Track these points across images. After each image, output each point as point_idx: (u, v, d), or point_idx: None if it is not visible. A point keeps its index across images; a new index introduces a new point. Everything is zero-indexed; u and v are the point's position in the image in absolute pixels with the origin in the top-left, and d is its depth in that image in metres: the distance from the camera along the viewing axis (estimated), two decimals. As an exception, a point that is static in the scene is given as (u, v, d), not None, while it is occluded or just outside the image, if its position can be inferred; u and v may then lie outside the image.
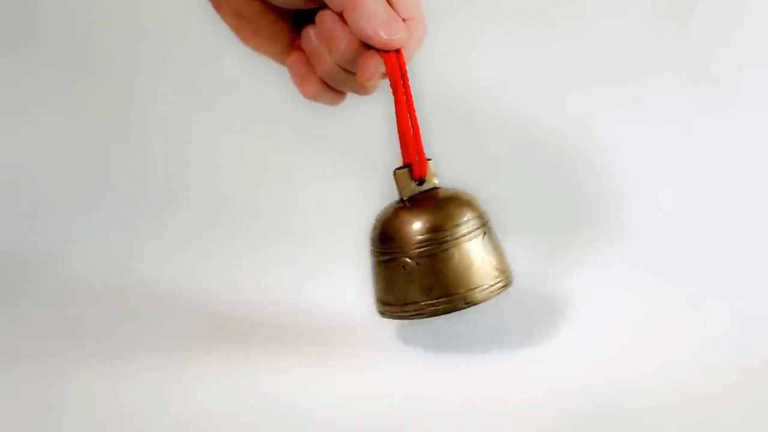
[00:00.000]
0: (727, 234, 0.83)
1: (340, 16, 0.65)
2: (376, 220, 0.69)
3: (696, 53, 0.92)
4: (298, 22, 0.68)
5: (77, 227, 0.88)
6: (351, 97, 0.70)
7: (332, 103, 0.70)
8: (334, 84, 0.68)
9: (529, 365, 0.69)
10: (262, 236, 0.85)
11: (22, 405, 0.64)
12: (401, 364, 0.70)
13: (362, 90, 0.68)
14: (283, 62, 0.69)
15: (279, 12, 0.68)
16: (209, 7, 0.68)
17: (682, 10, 0.92)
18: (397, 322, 0.72)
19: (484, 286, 0.67)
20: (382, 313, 0.69)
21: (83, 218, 0.89)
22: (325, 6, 0.65)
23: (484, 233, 0.68)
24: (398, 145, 0.67)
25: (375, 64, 0.64)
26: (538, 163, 0.90)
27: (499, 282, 0.68)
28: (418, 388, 0.67)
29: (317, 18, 0.66)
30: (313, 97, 0.69)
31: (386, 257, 0.67)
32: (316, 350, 0.71)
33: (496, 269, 0.68)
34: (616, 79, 0.91)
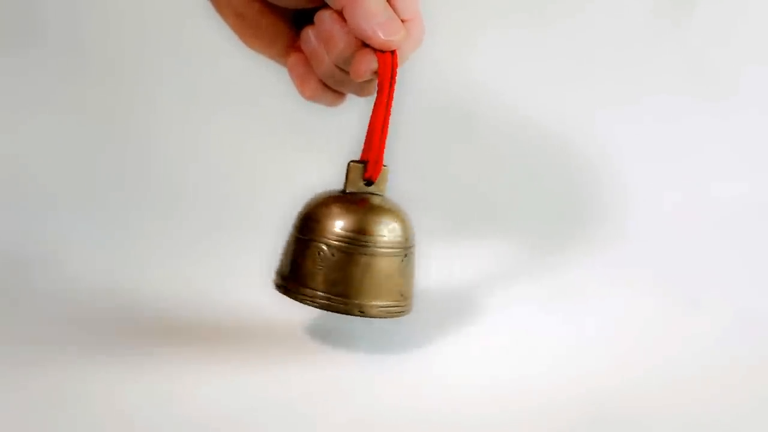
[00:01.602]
0: (727, 234, 0.83)
1: (340, 15, 0.65)
2: (312, 198, 0.69)
3: (696, 52, 0.92)
4: (298, 22, 0.68)
5: (77, 227, 0.88)
6: (350, 99, 0.70)
7: (332, 103, 0.70)
8: (333, 85, 0.68)
9: (529, 365, 0.69)
10: (262, 236, 0.84)
11: (21, 405, 0.64)
12: (402, 364, 0.70)
13: (362, 91, 0.68)
14: (282, 63, 0.69)
15: (279, 12, 0.68)
16: (209, 7, 0.68)
17: (682, 8, 0.92)
18: (390, 323, 0.71)
19: (383, 305, 0.67)
20: (278, 286, 0.69)
21: (83, 218, 0.89)
22: (324, 6, 0.65)
23: (405, 256, 0.68)
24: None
25: (368, 61, 0.64)
26: (537, 162, 0.90)
27: (398, 307, 0.68)
28: (417, 388, 0.67)
29: (316, 18, 0.66)
30: (313, 98, 0.69)
31: (306, 237, 0.67)
32: (316, 350, 0.71)
33: (401, 294, 0.68)
34: (615, 77, 0.91)
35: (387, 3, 0.64)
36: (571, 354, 0.70)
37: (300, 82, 0.68)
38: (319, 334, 0.73)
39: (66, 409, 0.63)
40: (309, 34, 0.67)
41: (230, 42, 0.69)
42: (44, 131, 0.95)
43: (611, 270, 0.80)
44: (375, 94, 0.66)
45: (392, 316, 0.68)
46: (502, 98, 0.91)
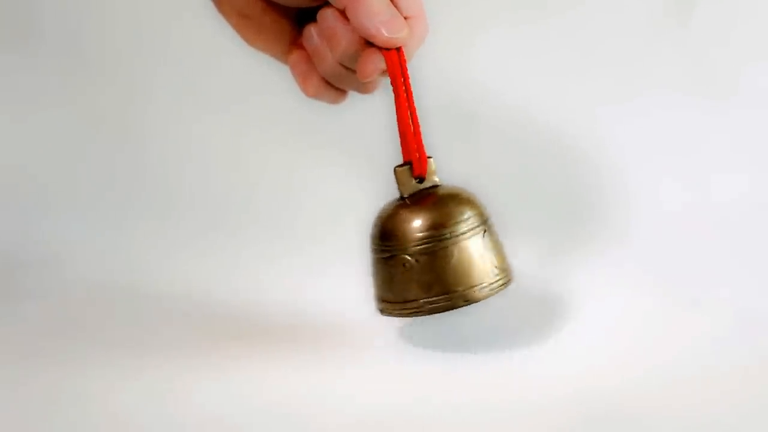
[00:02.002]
0: (727, 234, 0.83)
1: (342, 13, 0.65)
2: (377, 217, 0.68)
3: (696, 50, 0.92)
4: (300, 20, 0.68)
5: (75, 227, 0.88)
6: (353, 96, 0.70)
7: (334, 101, 0.70)
8: (335, 82, 0.68)
9: (529, 365, 0.69)
10: (262, 235, 0.85)
11: (20, 405, 0.64)
12: (401, 364, 0.70)
13: (364, 88, 0.68)
14: (285, 61, 0.69)
15: (281, 10, 0.68)
16: (210, 5, 0.68)
17: (682, 6, 0.92)
18: (397, 321, 0.72)
19: (484, 284, 0.67)
20: (382, 311, 0.69)
21: (81, 218, 0.89)
22: (327, 4, 0.65)
23: (484, 231, 0.68)
24: (399, 143, 0.67)
25: (375, 61, 0.65)
26: (538, 161, 0.90)
27: (499, 280, 0.68)
28: (417, 388, 0.67)
29: (319, 16, 0.66)
30: (315, 96, 0.69)
31: (386, 254, 0.67)
32: (316, 350, 0.71)
33: (496, 267, 0.68)
34: (617, 76, 0.91)
35: (390, 0, 0.64)
36: (570, 354, 0.70)
37: (302, 80, 0.68)
38: (318, 333, 0.73)
39: (65, 408, 0.63)
40: (311, 31, 0.67)
41: (232, 40, 0.69)
42: (43, 131, 0.95)
43: (611, 269, 0.80)
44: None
45: (498, 291, 0.68)
46: (503, 96, 0.91)
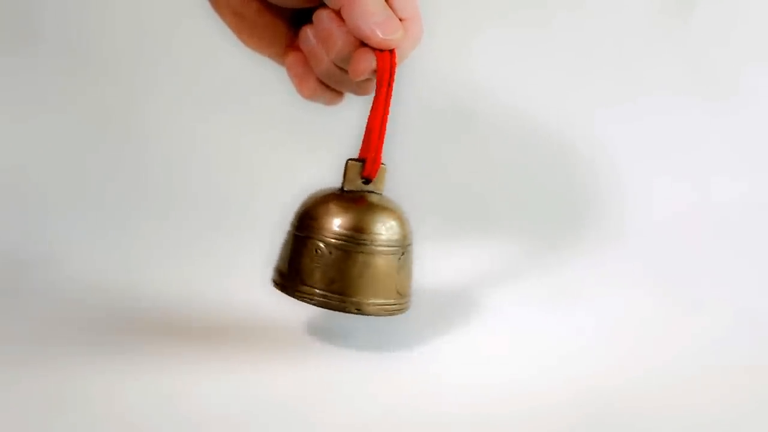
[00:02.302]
0: (727, 234, 0.83)
1: (338, 14, 0.65)
2: (309, 196, 0.69)
3: (696, 50, 0.92)
4: (296, 22, 0.68)
5: (75, 227, 0.88)
6: (349, 98, 0.70)
7: (330, 102, 0.70)
8: (331, 83, 0.68)
9: (529, 365, 0.69)
10: (260, 235, 0.84)
11: (20, 405, 0.64)
12: (400, 363, 0.70)
13: (360, 90, 0.68)
14: (281, 62, 0.69)
15: (278, 12, 0.68)
16: (207, 6, 0.68)
17: (682, 7, 0.92)
18: (390, 321, 0.71)
19: (381, 302, 0.67)
20: (275, 283, 0.69)
21: (81, 218, 0.89)
22: (322, 5, 0.65)
23: (402, 254, 0.68)
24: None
25: (367, 60, 0.64)
26: (535, 161, 0.90)
27: (395, 305, 0.68)
28: (416, 388, 0.67)
29: (314, 17, 0.66)
30: (311, 97, 0.69)
31: (304, 234, 0.67)
32: (315, 349, 0.71)
33: (398, 292, 0.68)
34: (614, 77, 0.91)
35: (385, 2, 0.64)
36: (570, 354, 0.70)
37: (298, 81, 0.68)
38: (317, 333, 0.73)
39: (65, 408, 0.63)
40: (307, 33, 0.67)
41: (228, 41, 0.69)
42: (43, 131, 0.95)
43: (611, 269, 0.80)
44: (373, 93, 0.66)
45: (390, 314, 0.68)
46: (501, 97, 0.91)
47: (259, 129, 0.92)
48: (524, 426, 0.62)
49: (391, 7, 0.64)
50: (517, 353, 0.71)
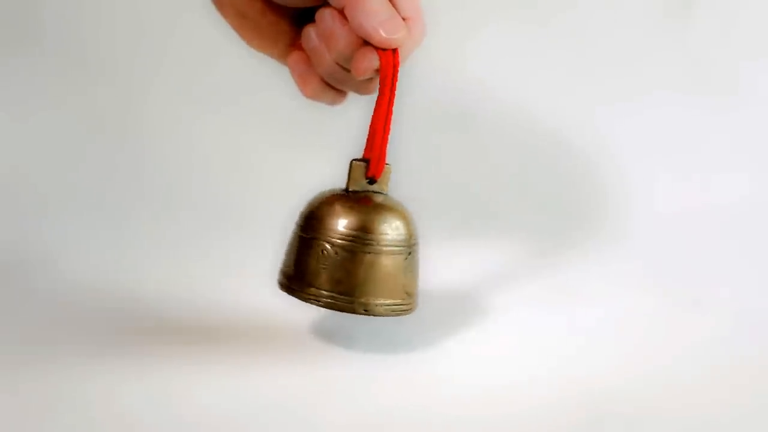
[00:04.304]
0: (728, 233, 0.83)
1: (341, 13, 0.65)
2: (314, 197, 0.69)
3: (696, 50, 0.92)
4: (299, 21, 0.68)
5: (75, 227, 0.88)
6: (352, 97, 0.70)
7: (333, 102, 0.70)
8: (334, 83, 0.68)
9: (529, 365, 0.69)
10: (262, 235, 0.84)
11: (20, 405, 0.64)
12: (402, 363, 0.70)
13: (363, 89, 0.68)
14: (283, 62, 0.69)
15: (281, 11, 0.68)
16: (210, 6, 0.68)
17: (682, 5, 0.92)
18: (391, 322, 0.71)
19: (388, 303, 0.67)
20: (281, 285, 0.69)
21: (80, 218, 0.89)
22: (325, 4, 0.65)
23: (408, 254, 0.68)
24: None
25: (369, 59, 0.64)
26: (537, 160, 0.90)
27: (402, 305, 0.68)
28: (416, 388, 0.67)
29: (317, 16, 0.66)
30: (314, 97, 0.69)
31: (309, 235, 0.67)
32: (317, 350, 0.71)
33: (405, 292, 0.68)
34: (616, 75, 0.91)
35: (388, 1, 0.64)
36: (571, 354, 0.70)
37: (301, 81, 0.68)
38: (320, 333, 0.73)
39: (64, 409, 0.63)
40: (310, 32, 0.67)
41: (231, 41, 0.69)
42: (42, 131, 0.95)
43: (612, 269, 0.80)
44: (376, 93, 0.66)
45: (397, 314, 0.67)
46: (502, 96, 0.91)
47: (262, 129, 0.92)
48: (526, 426, 0.62)
49: (393, 6, 0.64)
50: (519, 353, 0.71)
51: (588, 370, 0.68)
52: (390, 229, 0.67)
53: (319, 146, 0.90)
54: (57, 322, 0.75)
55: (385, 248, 0.66)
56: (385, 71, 0.65)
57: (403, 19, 0.64)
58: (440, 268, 0.77)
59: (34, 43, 0.96)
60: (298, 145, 0.91)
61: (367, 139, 0.67)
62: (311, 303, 0.67)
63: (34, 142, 0.95)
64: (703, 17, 0.92)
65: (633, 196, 0.87)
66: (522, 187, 0.89)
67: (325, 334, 0.73)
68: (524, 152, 0.90)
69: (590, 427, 0.62)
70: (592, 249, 0.83)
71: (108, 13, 0.96)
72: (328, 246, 0.66)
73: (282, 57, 0.69)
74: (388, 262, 0.67)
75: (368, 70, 0.65)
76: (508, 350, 0.71)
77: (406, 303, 0.68)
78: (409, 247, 0.68)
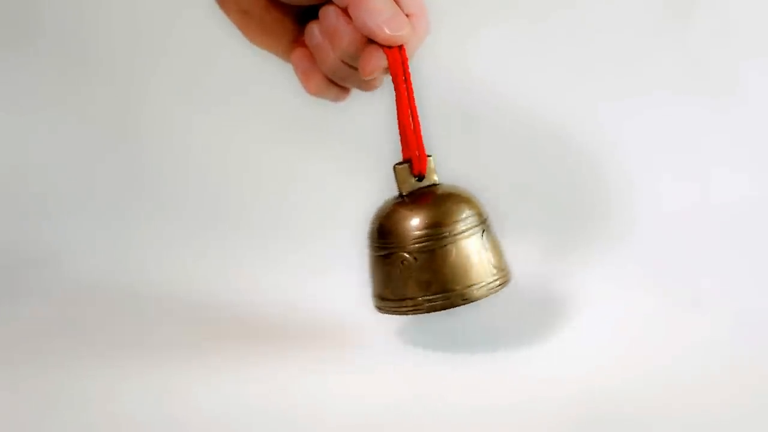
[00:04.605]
0: (728, 233, 0.83)
1: (344, 11, 0.65)
2: (375, 215, 0.68)
3: (696, 49, 0.92)
4: (302, 18, 0.68)
5: (75, 227, 0.88)
6: (355, 93, 0.70)
7: (336, 99, 0.70)
8: (338, 80, 0.68)
9: (529, 366, 0.69)
10: (262, 235, 0.85)
11: (20, 405, 0.64)
12: (400, 364, 0.70)
13: (366, 86, 0.68)
14: (287, 59, 0.69)
15: (284, 8, 0.68)
16: (209, 4, 0.68)
17: (682, 4, 0.92)
18: (396, 320, 0.72)
19: (482, 284, 0.67)
20: (379, 308, 0.69)
21: (80, 217, 0.89)
22: (329, 1, 0.65)
23: (483, 231, 0.68)
24: (399, 140, 0.67)
25: (377, 59, 0.65)
26: (539, 159, 0.90)
27: (496, 280, 0.68)
28: (416, 388, 0.67)
29: (321, 13, 0.66)
30: (317, 93, 0.69)
31: (384, 252, 0.67)
32: (316, 350, 0.71)
33: (494, 267, 0.68)
34: (616, 74, 0.91)
35: None
36: (571, 354, 0.70)
37: (304, 78, 0.68)
38: (321, 332, 0.73)
39: (64, 408, 0.63)
40: (314, 29, 0.67)
41: (232, 37, 0.69)
42: (42, 131, 0.95)
43: (611, 269, 0.80)
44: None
45: (496, 290, 0.68)
46: (504, 95, 0.91)
47: (264, 126, 0.92)
48: (525, 426, 0.62)
49: (397, 3, 0.64)
50: (518, 353, 0.71)
51: (588, 370, 0.68)
52: (457, 214, 0.67)
53: (322, 143, 0.90)
54: (57, 321, 0.75)
55: (459, 235, 0.66)
56: (394, 69, 0.65)
57: (407, 15, 0.65)
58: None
59: (33, 42, 0.96)
60: (302, 143, 0.91)
61: (401, 140, 0.67)
62: (414, 314, 0.67)
63: (34, 141, 0.95)
64: (703, 17, 0.92)
65: (633, 196, 0.87)
66: (522, 186, 0.89)
67: (326, 334, 0.73)
68: (525, 151, 0.90)
69: (590, 427, 0.61)
70: (592, 248, 0.83)
71: (107, 11, 0.96)
72: (406, 255, 0.66)
73: (285, 54, 0.69)
74: (467, 246, 0.66)
75: (376, 70, 0.65)
76: (507, 350, 0.71)
77: (500, 277, 0.68)
78: (482, 224, 0.68)
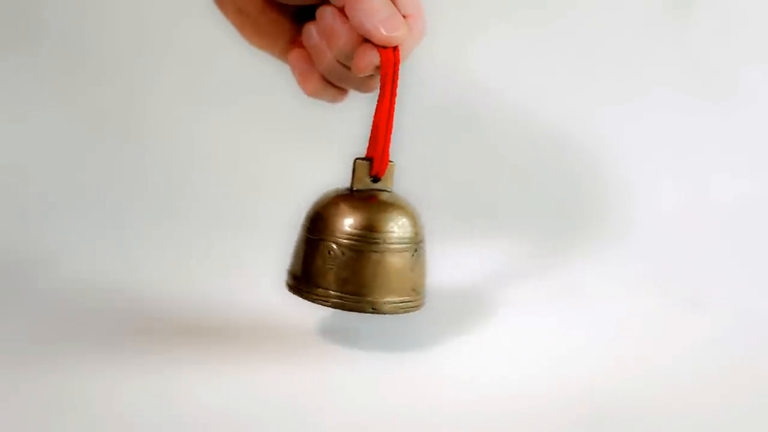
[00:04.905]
0: (728, 234, 0.83)
1: (341, 11, 0.65)
2: (320, 198, 0.69)
3: (696, 50, 0.92)
4: (299, 19, 0.68)
5: (75, 227, 0.88)
6: (352, 95, 0.70)
7: (334, 100, 0.70)
8: (335, 80, 0.68)
9: (529, 365, 0.69)
10: (261, 235, 0.85)
11: (20, 405, 0.64)
12: (399, 364, 0.70)
13: (364, 87, 0.68)
14: (284, 60, 0.69)
15: (281, 9, 0.68)
16: (208, 4, 0.68)
17: (682, 5, 0.92)
18: (397, 320, 0.71)
19: (395, 301, 0.67)
20: (289, 287, 0.69)
21: (80, 218, 0.89)
22: (326, 2, 0.65)
23: (415, 251, 0.67)
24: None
25: (370, 56, 0.64)
26: (538, 160, 0.90)
27: (410, 302, 0.68)
28: (417, 388, 0.67)
29: (318, 13, 0.66)
30: (315, 94, 0.69)
31: (315, 236, 0.67)
32: (319, 349, 0.71)
33: (413, 289, 0.68)
34: (616, 75, 0.91)
35: None
36: (571, 354, 0.70)
37: (302, 78, 0.68)
38: (322, 332, 0.73)
39: (64, 409, 0.63)
40: (311, 29, 0.67)
41: (231, 38, 0.69)
42: (43, 131, 0.95)
43: (611, 269, 0.80)
44: (377, 90, 0.66)
45: (405, 311, 0.67)
46: (504, 95, 0.91)
47: (262, 127, 0.92)
48: (526, 425, 0.62)
49: (394, 4, 0.64)
50: (520, 353, 0.71)
51: (588, 370, 0.68)
52: (396, 227, 0.67)
53: (320, 144, 0.90)
54: (58, 321, 0.75)
55: (391, 246, 0.66)
56: (385, 69, 0.65)
57: (404, 16, 0.65)
58: (442, 267, 0.77)
59: (34, 42, 0.96)
60: (300, 143, 0.91)
61: (370, 138, 0.67)
62: (319, 304, 0.67)
63: (34, 141, 0.95)
64: (703, 17, 0.92)
65: (633, 196, 0.87)
66: (522, 186, 0.89)
67: (327, 334, 0.73)
68: (524, 152, 0.90)
69: (590, 427, 0.61)
70: (592, 248, 0.83)
71: (109, 12, 0.96)
72: (334, 246, 0.66)
73: (282, 55, 0.69)
74: (395, 260, 0.66)
75: (368, 68, 0.65)
76: (509, 349, 0.71)
77: (414, 300, 0.68)
78: (416, 244, 0.68)
